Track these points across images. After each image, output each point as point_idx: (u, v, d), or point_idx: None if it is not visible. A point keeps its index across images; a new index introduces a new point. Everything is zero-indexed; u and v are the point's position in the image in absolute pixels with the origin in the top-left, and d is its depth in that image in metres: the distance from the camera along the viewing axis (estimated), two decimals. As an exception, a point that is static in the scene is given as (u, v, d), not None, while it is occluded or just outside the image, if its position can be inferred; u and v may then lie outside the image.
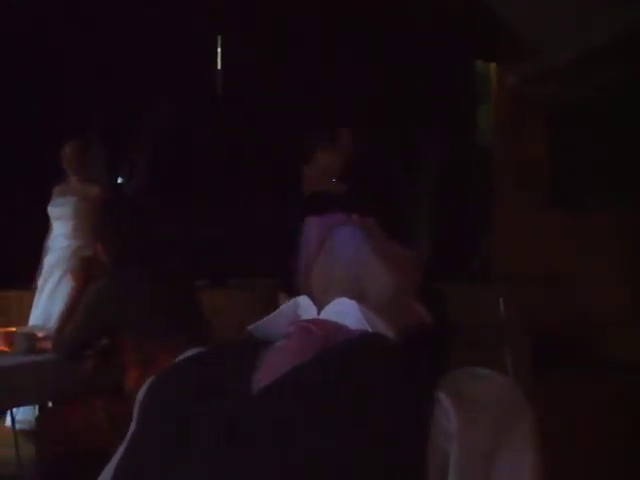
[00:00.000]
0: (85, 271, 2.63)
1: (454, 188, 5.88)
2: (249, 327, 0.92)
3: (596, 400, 4.18)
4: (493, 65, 6.32)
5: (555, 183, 5.89)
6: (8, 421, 3.35)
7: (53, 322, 3.42)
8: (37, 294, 4.02)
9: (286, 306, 0.92)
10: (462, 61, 6.24)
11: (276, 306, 0.93)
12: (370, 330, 0.84)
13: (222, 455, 0.71)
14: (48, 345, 2.63)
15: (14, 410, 3.26)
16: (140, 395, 0.87)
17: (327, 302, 0.89)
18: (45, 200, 4.08)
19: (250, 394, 0.75)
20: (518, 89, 5.88)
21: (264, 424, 0.71)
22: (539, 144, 5.99)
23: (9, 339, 2.71)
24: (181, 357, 0.90)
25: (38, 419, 2.56)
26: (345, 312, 0.86)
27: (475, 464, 0.68)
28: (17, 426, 3.17)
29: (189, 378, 0.82)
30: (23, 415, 3.44)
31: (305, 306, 0.91)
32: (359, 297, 0.88)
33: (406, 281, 0.94)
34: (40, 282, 4.04)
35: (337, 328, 0.84)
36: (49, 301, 3.90)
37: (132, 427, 0.85)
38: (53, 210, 4.06)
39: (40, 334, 2.83)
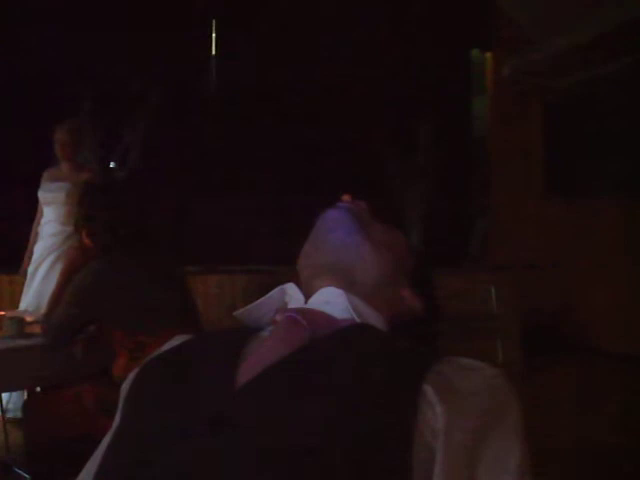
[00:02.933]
0: (75, 257, 2.60)
1: (450, 174, 5.88)
2: (235, 312, 0.90)
3: (591, 389, 4.20)
4: (489, 54, 6.30)
5: (552, 171, 5.89)
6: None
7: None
8: (28, 280, 3.99)
9: (273, 293, 0.90)
10: (458, 49, 6.22)
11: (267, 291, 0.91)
12: (357, 319, 0.83)
13: (206, 448, 0.69)
14: (37, 329, 2.61)
15: (5, 397, 3.25)
16: (125, 386, 0.85)
17: (315, 287, 0.88)
18: (34, 184, 4.04)
19: (235, 386, 0.73)
20: (515, 77, 5.86)
21: (248, 417, 0.69)
22: (536, 132, 5.98)
23: (-2, 323, 2.69)
24: (166, 346, 0.88)
25: (25, 404, 2.54)
26: (332, 301, 0.85)
27: (461, 459, 0.67)
28: (8, 415, 3.17)
29: (174, 369, 0.80)
30: (14, 403, 3.43)
31: (292, 294, 0.89)
32: (347, 283, 0.86)
33: (397, 267, 0.92)
34: (31, 268, 4.00)
35: (324, 318, 0.82)
36: (42, 287, 3.87)
37: (116, 419, 0.83)
38: (44, 195, 4.02)
39: (29, 318, 2.82)
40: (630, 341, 4.87)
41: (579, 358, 5.12)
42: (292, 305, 0.88)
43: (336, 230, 0.90)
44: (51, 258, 3.93)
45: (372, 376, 0.70)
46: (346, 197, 0.94)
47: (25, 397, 2.82)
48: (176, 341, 0.88)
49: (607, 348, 5.05)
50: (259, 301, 0.90)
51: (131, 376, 0.85)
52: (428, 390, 0.68)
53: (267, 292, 0.90)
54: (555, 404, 3.84)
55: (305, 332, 0.78)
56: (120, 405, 0.84)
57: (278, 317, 0.83)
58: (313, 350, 0.75)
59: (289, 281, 0.92)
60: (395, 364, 0.71)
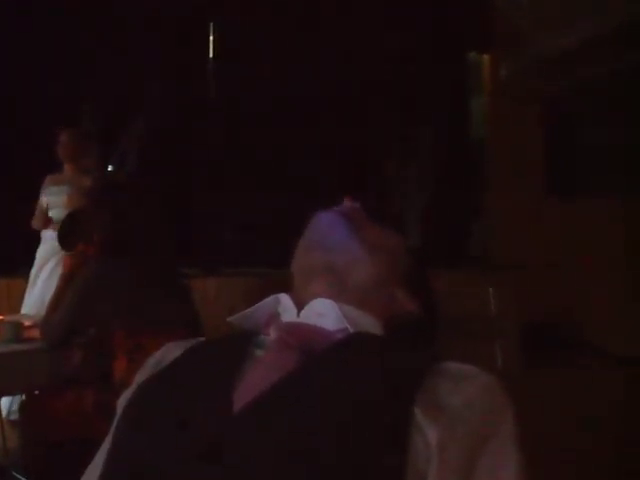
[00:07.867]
0: (73, 259, 2.60)
1: (448, 175, 5.89)
2: (230, 318, 0.90)
3: (590, 391, 4.19)
4: (487, 55, 6.30)
5: (551, 171, 5.89)
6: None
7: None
8: (30, 283, 4.01)
9: (268, 300, 0.89)
10: (456, 51, 6.22)
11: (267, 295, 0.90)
12: (351, 329, 0.81)
13: (202, 473, 0.68)
14: (35, 334, 2.61)
15: (5, 400, 3.24)
16: (120, 403, 0.84)
17: (308, 292, 0.86)
18: (36, 188, 4.05)
19: (230, 411, 0.72)
20: (512, 78, 5.86)
21: (243, 443, 0.68)
22: (534, 133, 5.98)
23: (-4, 327, 2.69)
24: (159, 355, 0.87)
25: (21, 406, 2.54)
26: (325, 313, 0.83)
27: (456, 474, 0.65)
28: (11, 417, 3.17)
29: (170, 390, 0.79)
30: (15, 406, 3.43)
31: (285, 304, 0.88)
32: (340, 286, 0.85)
33: (392, 269, 0.90)
34: (33, 271, 4.02)
35: (317, 333, 0.81)
36: (44, 290, 3.88)
37: (110, 437, 0.81)
38: (46, 198, 4.04)
39: (27, 322, 2.81)
40: (631, 342, 4.87)
41: (579, 359, 5.12)
42: (285, 317, 0.87)
43: (329, 233, 0.89)
44: (53, 261, 3.95)
45: (362, 400, 0.68)
46: (347, 201, 0.93)
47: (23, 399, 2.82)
48: (170, 349, 0.87)
49: (607, 349, 5.05)
50: (253, 308, 0.89)
51: (126, 395, 0.84)
52: (418, 413, 0.66)
53: (264, 297, 0.89)
54: (554, 406, 3.83)
55: (296, 354, 0.77)
56: (115, 424, 0.82)
57: (271, 332, 0.82)
58: (304, 373, 0.74)
59: (285, 284, 0.91)
60: (384, 385, 0.70)
